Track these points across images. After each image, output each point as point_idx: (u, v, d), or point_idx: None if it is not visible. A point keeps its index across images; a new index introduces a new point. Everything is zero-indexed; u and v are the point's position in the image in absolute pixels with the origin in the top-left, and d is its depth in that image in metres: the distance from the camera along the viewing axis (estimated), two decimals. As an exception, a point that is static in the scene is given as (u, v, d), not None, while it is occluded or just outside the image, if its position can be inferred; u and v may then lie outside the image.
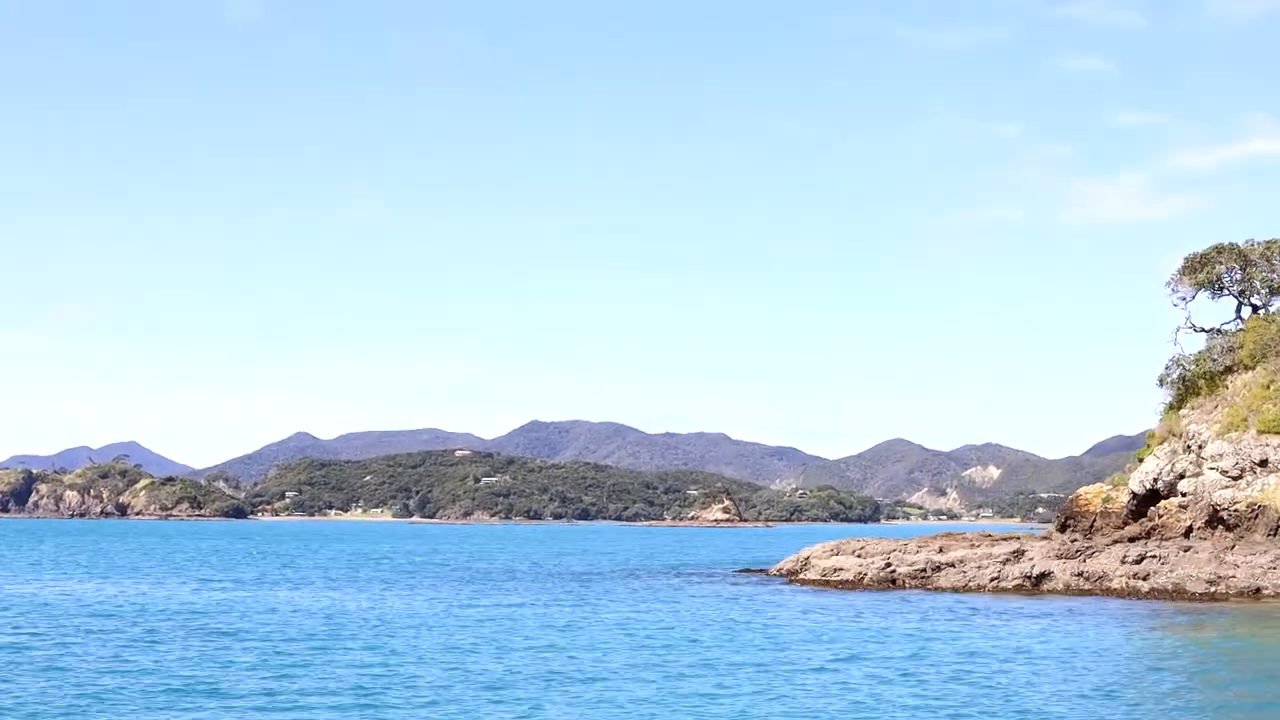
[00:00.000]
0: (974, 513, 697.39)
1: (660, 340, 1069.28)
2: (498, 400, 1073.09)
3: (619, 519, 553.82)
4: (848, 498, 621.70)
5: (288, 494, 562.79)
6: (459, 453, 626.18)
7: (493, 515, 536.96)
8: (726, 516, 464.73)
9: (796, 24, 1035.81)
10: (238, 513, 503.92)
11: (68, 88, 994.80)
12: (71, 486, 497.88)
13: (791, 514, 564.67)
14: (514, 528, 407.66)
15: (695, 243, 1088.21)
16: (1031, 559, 78.20)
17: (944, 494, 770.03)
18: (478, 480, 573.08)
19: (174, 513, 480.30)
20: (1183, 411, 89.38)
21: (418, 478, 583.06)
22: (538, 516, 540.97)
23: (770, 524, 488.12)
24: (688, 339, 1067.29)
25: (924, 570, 78.69)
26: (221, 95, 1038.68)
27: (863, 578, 79.06)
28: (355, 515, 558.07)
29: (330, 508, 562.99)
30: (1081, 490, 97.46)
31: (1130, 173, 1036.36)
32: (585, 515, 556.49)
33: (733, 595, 73.21)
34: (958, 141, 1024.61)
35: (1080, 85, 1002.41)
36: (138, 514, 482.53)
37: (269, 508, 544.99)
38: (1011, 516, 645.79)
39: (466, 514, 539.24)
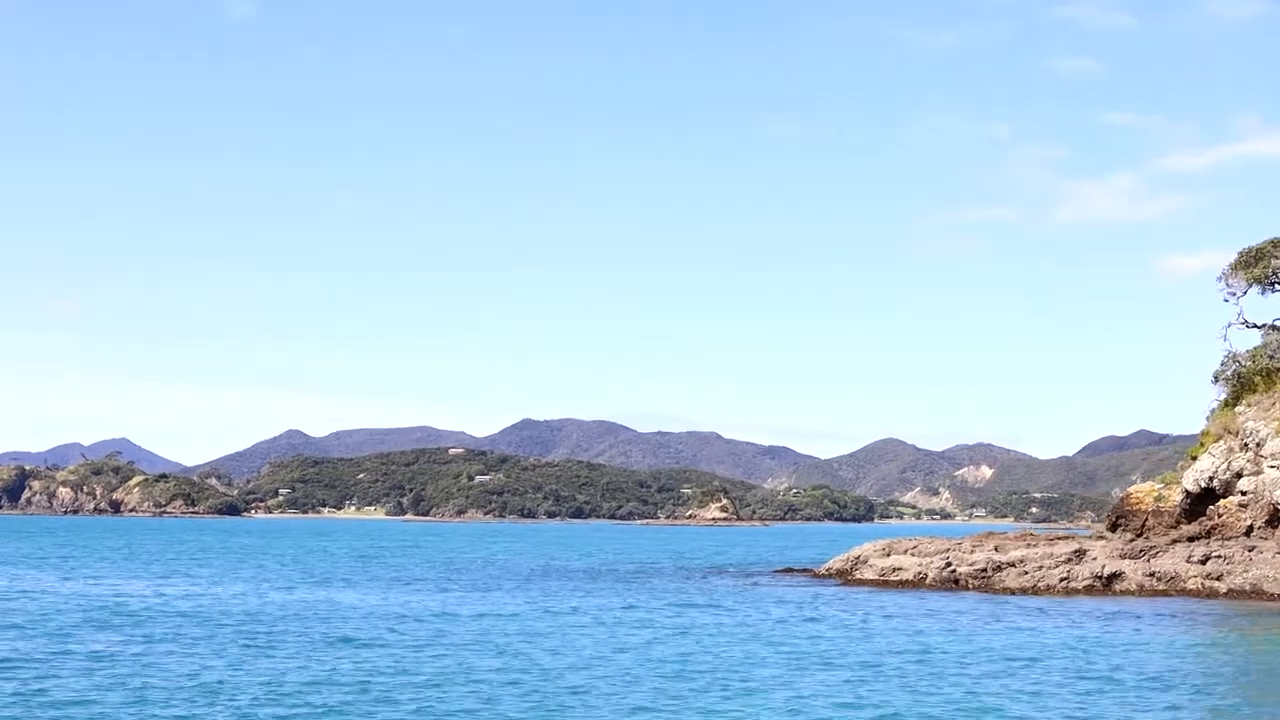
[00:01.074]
0: (967, 512, 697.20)
1: (652, 339, 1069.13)
2: (490, 398, 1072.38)
3: (613, 518, 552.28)
4: (842, 497, 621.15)
5: (281, 491, 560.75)
6: (452, 451, 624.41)
7: (486, 513, 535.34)
8: (724, 515, 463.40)
9: (789, 24, 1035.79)
10: (231, 510, 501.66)
11: (64, 85, 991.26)
12: (64, 483, 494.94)
13: (785, 513, 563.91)
14: (515, 526, 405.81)
15: (686, 241, 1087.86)
16: (1095, 558, 76.67)
17: (936, 493, 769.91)
18: (471, 478, 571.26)
19: (168, 510, 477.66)
20: (1238, 409, 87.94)
21: (411, 475, 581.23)
22: (531, 515, 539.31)
23: (768, 523, 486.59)
24: (680, 338, 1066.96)
25: (985, 570, 77.13)
26: (218, 92, 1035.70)
27: (924, 578, 77.47)
28: (348, 513, 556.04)
29: (323, 505, 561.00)
30: (1132, 489, 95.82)
31: (1121, 173, 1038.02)
32: (579, 514, 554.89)
33: (812, 596, 70.61)
34: (950, 141, 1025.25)
35: (1072, 86, 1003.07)
36: (131, 511, 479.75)
37: (262, 505, 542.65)
38: (1005, 516, 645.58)
39: (460, 512, 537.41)
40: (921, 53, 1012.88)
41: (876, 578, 79.82)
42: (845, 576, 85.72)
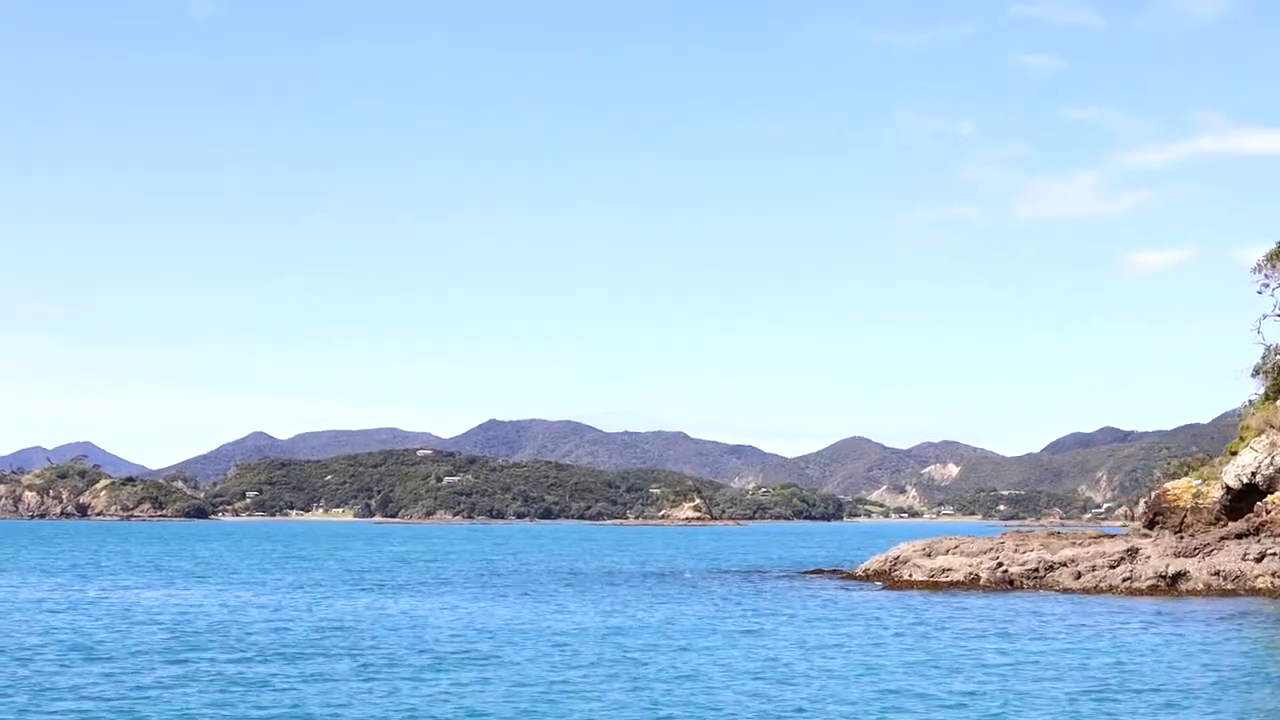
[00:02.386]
0: (935, 510, 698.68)
1: (617, 338, 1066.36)
2: (455, 399, 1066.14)
3: (581, 518, 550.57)
4: (810, 495, 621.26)
5: (248, 494, 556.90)
6: (420, 452, 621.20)
7: (455, 514, 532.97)
8: (698, 515, 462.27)
9: (759, 25, 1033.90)
10: (199, 513, 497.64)
11: (28, 89, 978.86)
12: (30, 487, 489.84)
13: (755, 512, 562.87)
14: (495, 528, 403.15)
15: (651, 240, 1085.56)
16: (1149, 557, 75.29)
17: (903, 491, 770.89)
18: (439, 479, 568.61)
19: (135, 513, 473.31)
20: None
21: (379, 477, 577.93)
22: (500, 516, 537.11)
23: (740, 523, 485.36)
24: (645, 337, 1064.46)
25: (1037, 570, 75.81)
26: (185, 95, 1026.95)
27: (976, 579, 75.99)
28: (317, 515, 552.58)
29: (291, 508, 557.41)
30: (1169, 485, 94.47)
31: (1084, 170, 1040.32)
32: (548, 514, 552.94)
33: (896, 603, 68.11)
34: (915, 140, 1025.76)
35: (1036, 83, 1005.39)
36: (99, 514, 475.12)
37: (229, 508, 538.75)
38: (973, 514, 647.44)
39: (429, 513, 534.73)
40: (887, 52, 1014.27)
41: (926, 579, 78.19)
42: (888, 578, 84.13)
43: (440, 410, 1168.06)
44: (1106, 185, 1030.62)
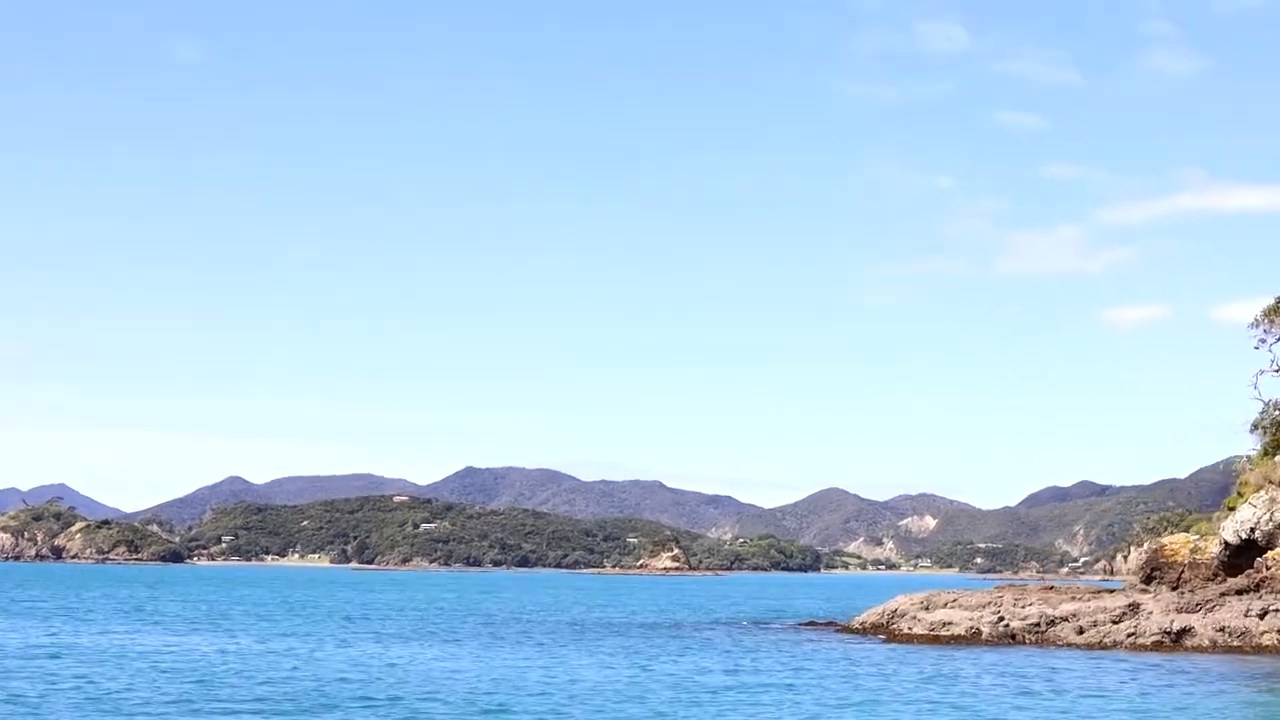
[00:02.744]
0: (912, 563, 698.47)
1: (595, 387, 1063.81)
2: (431, 446, 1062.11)
3: (559, 566, 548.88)
4: (788, 547, 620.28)
5: (224, 538, 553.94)
6: (397, 498, 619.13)
7: (432, 561, 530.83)
8: (675, 565, 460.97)
9: (736, 77, 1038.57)
10: (175, 557, 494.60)
11: (5, 129, 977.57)
12: (4, 529, 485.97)
13: (732, 563, 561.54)
14: (472, 576, 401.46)
15: (628, 292, 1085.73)
16: (1151, 613, 75.02)
17: (880, 543, 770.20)
18: (417, 526, 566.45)
19: (110, 556, 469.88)
20: (1279, 458, 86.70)
21: (355, 523, 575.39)
22: (477, 563, 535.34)
23: (719, 573, 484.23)
24: (623, 386, 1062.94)
25: (1038, 624, 75.52)
26: (165, 137, 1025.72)
27: (977, 633, 75.63)
28: (292, 561, 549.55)
29: (267, 552, 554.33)
30: (1166, 540, 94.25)
31: (1065, 225, 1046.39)
32: (525, 562, 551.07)
33: (907, 658, 67.29)
34: (894, 193, 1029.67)
35: (1016, 139, 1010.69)
36: (73, 557, 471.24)
37: (205, 552, 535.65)
38: (950, 567, 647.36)
39: (405, 560, 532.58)
40: (866, 106, 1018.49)
41: (926, 633, 77.79)
42: (886, 631, 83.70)
43: (417, 456, 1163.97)
44: (1086, 242, 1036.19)
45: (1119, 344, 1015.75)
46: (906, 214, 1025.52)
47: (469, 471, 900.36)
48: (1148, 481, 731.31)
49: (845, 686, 54.30)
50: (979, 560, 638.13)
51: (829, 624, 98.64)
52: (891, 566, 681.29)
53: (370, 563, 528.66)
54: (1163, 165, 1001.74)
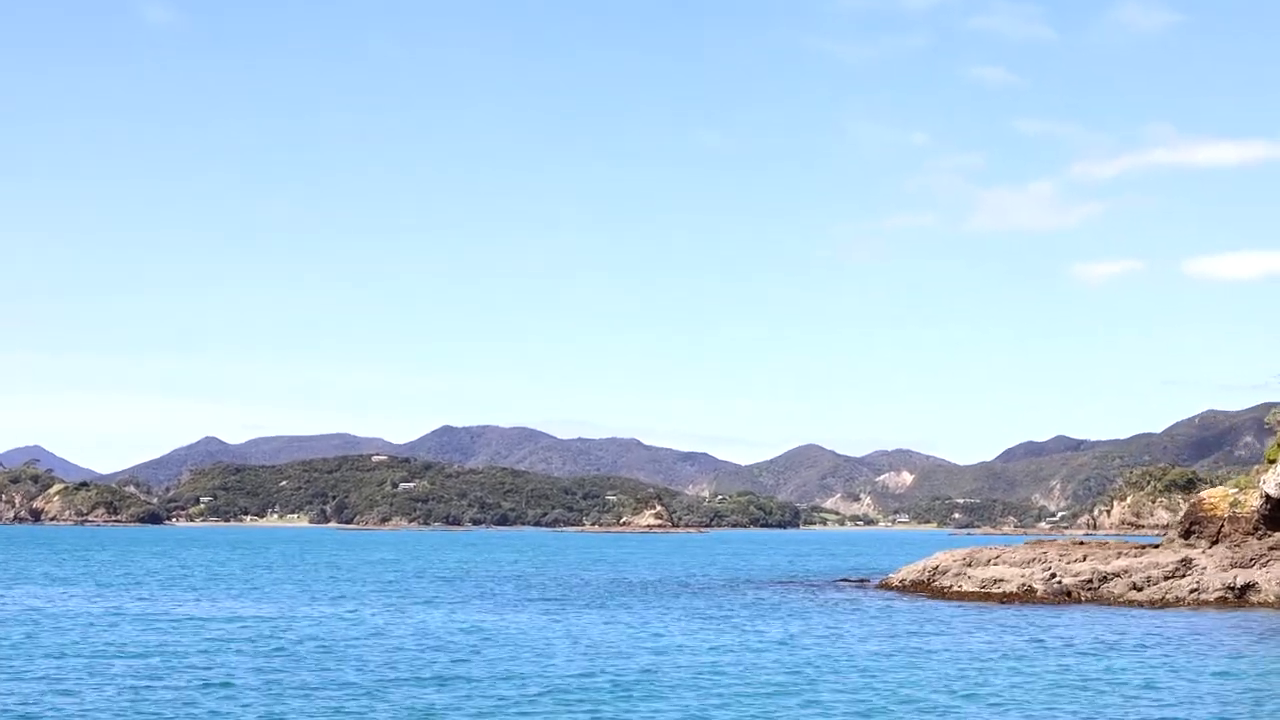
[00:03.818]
0: (890, 518, 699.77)
1: (571, 345, 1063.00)
2: (408, 405, 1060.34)
3: (539, 524, 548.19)
4: (767, 504, 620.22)
5: (202, 499, 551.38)
6: (375, 458, 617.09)
7: (411, 521, 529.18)
8: (659, 523, 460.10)
9: (711, 36, 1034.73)
10: (154, 518, 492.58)
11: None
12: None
13: (711, 520, 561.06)
14: (458, 534, 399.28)
15: (607, 250, 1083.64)
16: (1205, 568, 73.93)
17: (857, 499, 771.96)
18: (395, 485, 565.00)
19: (90, 518, 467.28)
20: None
21: (334, 483, 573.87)
22: (456, 522, 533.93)
23: (702, 530, 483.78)
24: (599, 343, 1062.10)
25: (1091, 581, 74.26)
26: (136, 99, 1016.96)
27: (1030, 590, 74.37)
28: (271, 521, 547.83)
29: (246, 513, 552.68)
30: (1205, 494, 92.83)
31: (1038, 181, 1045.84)
32: (504, 521, 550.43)
33: (956, 613, 65.91)
34: (869, 149, 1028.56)
35: (989, 94, 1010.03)
36: (52, 520, 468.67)
37: (184, 513, 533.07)
38: (928, 522, 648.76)
39: (384, 519, 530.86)
40: (841, 63, 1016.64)
41: (977, 590, 76.44)
42: (928, 588, 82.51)
43: (393, 416, 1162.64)
44: (1060, 196, 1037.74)
45: (1093, 299, 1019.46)
46: (881, 170, 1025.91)
47: (445, 430, 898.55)
48: (1123, 436, 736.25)
49: (990, 651, 50.57)
50: (957, 515, 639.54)
51: (862, 581, 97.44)
52: (870, 522, 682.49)
53: (349, 523, 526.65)
54: (1135, 120, 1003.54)
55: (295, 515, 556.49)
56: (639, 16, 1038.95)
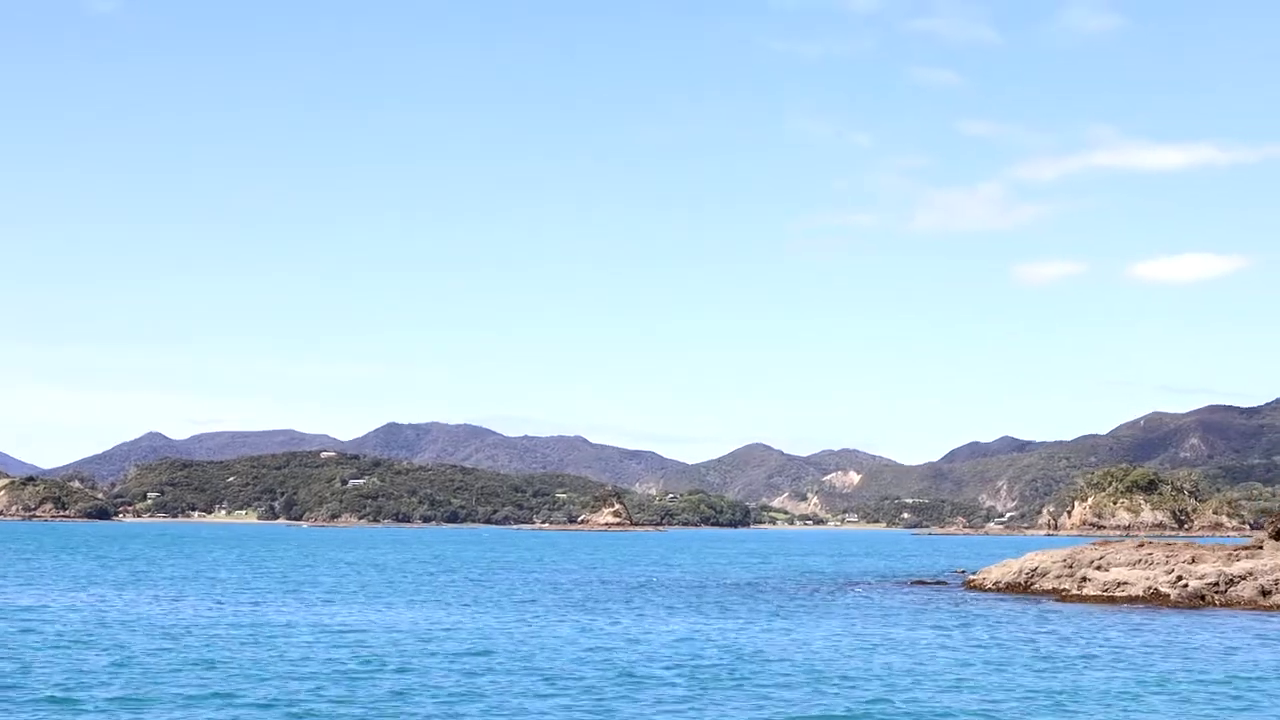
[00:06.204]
0: (839, 518, 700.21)
1: (516, 342, 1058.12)
2: (352, 401, 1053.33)
3: (489, 522, 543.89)
4: (718, 502, 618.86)
5: (149, 495, 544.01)
6: (324, 454, 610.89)
7: (360, 518, 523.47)
8: (618, 521, 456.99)
9: (660, 30, 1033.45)
10: (101, 514, 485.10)
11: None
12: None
13: (662, 518, 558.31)
14: (419, 531, 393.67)
15: (550, 244, 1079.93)
16: (1334, 571, 71.45)
17: (805, 499, 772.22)
18: (344, 482, 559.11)
19: (37, 514, 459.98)
20: None
21: (282, 479, 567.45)
22: (406, 519, 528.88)
23: (661, 528, 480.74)
24: (544, 341, 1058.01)
25: (1217, 584, 71.57)
26: (81, 89, 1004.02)
27: (1156, 593, 71.72)
28: (219, 517, 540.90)
29: (193, 509, 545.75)
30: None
31: (982, 182, 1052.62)
32: (454, 518, 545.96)
33: (1109, 622, 62.25)
34: (814, 148, 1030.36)
35: (933, 96, 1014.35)
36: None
37: (131, 509, 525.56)
38: (877, 522, 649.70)
39: (334, 516, 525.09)
40: (785, 62, 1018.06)
41: (1100, 593, 73.60)
42: (1026, 590, 79.95)
43: (338, 412, 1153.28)
44: (1003, 197, 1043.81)
45: (1037, 300, 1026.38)
46: (826, 169, 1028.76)
47: (391, 428, 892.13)
48: (1069, 437, 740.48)
49: (1183, 666, 45.45)
50: (905, 515, 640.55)
51: (939, 583, 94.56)
52: (819, 522, 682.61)
53: (298, 519, 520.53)
54: (1078, 123, 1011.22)
55: (243, 511, 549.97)
56: (582, 11, 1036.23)
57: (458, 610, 66.88)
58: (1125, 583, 73.37)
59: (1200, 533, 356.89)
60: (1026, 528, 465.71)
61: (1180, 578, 72.41)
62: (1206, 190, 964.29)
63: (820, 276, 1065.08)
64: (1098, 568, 78.40)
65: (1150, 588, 72.24)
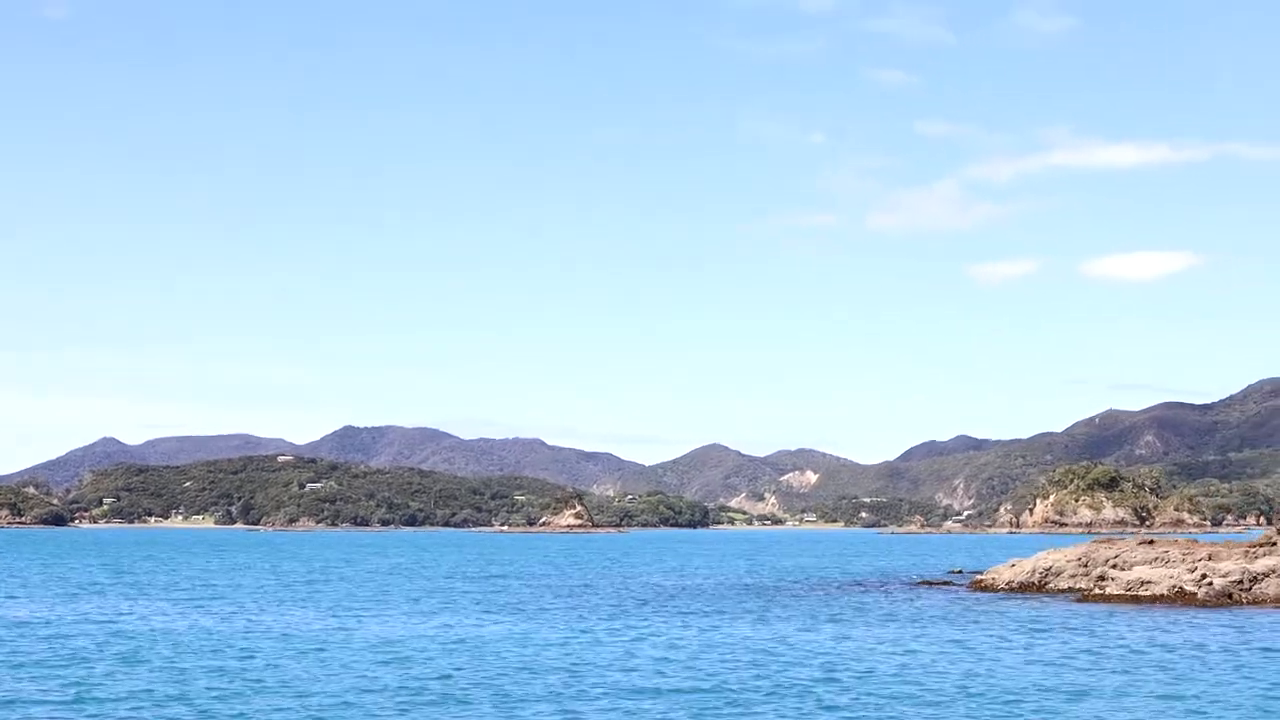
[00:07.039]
0: (797, 517, 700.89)
1: (472, 344, 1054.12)
2: (308, 404, 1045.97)
3: (447, 525, 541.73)
4: (677, 503, 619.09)
5: (105, 500, 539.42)
6: (281, 458, 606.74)
7: (319, 522, 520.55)
8: (579, 522, 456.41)
9: (615, 31, 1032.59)
10: (58, 520, 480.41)
11: None
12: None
13: (622, 519, 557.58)
14: (381, 535, 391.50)
15: (507, 246, 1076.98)
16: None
17: (762, 499, 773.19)
18: (302, 486, 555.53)
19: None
20: None
21: (239, 484, 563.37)
22: (365, 523, 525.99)
23: (623, 530, 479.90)
24: (499, 343, 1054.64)
25: (1241, 582, 71.31)
26: (35, 94, 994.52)
27: (1181, 591, 71.36)
28: (176, 523, 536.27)
29: (150, 515, 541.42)
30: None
31: (936, 182, 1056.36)
32: (413, 521, 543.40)
33: (1145, 624, 61.01)
34: (768, 149, 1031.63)
35: (887, 96, 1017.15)
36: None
37: (87, 515, 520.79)
38: (835, 521, 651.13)
39: (291, 520, 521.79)
40: (740, 61, 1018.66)
41: (1123, 592, 73.16)
42: (1041, 590, 79.68)
43: (293, 415, 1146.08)
44: (958, 197, 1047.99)
45: (992, 299, 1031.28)
46: (780, 169, 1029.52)
47: (348, 431, 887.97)
48: (1024, 435, 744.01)
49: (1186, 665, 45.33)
50: (864, 515, 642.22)
51: (946, 583, 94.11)
52: (777, 522, 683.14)
53: (255, 524, 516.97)
54: (1033, 122, 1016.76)
55: (200, 516, 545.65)
56: (539, 11, 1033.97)
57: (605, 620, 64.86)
58: (1149, 581, 73.03)
59: (1162, 529, 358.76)
60: (987, 526, 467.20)
61: (1205, 576, 72.16)
62: (1160, 189, 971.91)
63: (776, 277, 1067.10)
64: (1114, 566, 78.04)
65: (1175, 586, 71.94)
